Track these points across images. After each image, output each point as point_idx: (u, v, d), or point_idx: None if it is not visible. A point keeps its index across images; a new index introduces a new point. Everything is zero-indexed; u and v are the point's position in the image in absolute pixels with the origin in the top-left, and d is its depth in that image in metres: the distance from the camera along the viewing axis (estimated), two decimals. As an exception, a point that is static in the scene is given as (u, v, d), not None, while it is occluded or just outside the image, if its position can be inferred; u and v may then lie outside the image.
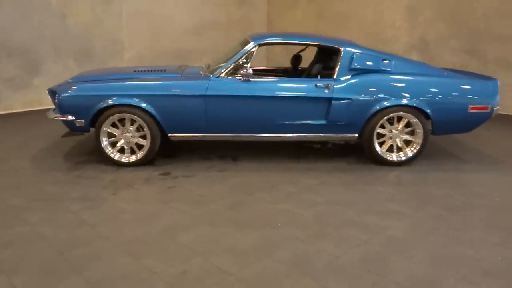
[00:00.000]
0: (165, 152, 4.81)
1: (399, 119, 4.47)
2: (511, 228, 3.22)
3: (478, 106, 4.44)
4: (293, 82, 4.44)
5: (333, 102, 4.31)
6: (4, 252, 2.79)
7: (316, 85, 4.32)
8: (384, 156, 4.51)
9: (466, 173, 4.38)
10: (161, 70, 4.73)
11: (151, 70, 4.75)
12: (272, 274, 2.59)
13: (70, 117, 4.30)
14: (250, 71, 4.26)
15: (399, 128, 4.48)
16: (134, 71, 4.79)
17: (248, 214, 3.39)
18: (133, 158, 4.40)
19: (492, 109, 4.46)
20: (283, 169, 4.43)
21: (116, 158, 4.38)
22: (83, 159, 4.62)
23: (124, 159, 4.39)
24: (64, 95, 4.29)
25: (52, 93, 4.51)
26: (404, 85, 4.41)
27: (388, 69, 4.46)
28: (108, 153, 4.37)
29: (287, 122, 4.39)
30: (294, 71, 5.53)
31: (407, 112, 4.39)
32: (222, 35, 9.50)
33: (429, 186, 4.02)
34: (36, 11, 7.02)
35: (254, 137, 4.47)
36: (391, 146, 4.55)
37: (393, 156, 4.54)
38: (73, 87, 4.34)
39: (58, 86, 4.53)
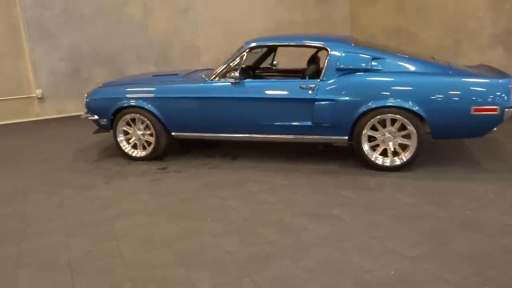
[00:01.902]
0: (185, 149, 5.30)
1: (394, 121, 4.23)
2: (441, 244, 2.92)
3: (483, 107, 3.96)
4: (280, 83, 4.53)
5: (315, 103, 4.29)
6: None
7: (300, 86, 4.36)
8: (375, 160, 4.31)
9: (459, 182, 3.96)
10: (173, 75, 5.23)
11: (165, 75, 5.28)
12: (155, 260, 2.87)
13: (96, 117, 5.07)
14: (236, 74, 4.49)
15: (392, 130, 4.23)
16: (153, 76, 5.37)
17: (192, 208, 3.67)
18: (143, 153, 4.98)
19: (503, 111, 3.92)
20: (270, 169, 4.55)
21: (129, 152, 5.02)
22: (109, 153, 5.36)
23: (135, 153, 5.00)
24: (90, 98, 5.09)
25: (88, 96, 5.37)
26: (393, 85, 4.16)
27: (379, 68, 4.25)
28: (123, 148, 5.02)
29: (275, 123, 4.50)
30: (302, 71, 5.53)
31: (397, 114, 4.14)
32: (299, 35, 9.63)
33: (401, 194, 3.76)
34: (122, 24, 8.16)
35: (245, 138, 4.68)
36: (385, 150, 4.32)
37: (384, 160, 4.31)
38: (96, 91, 5.11)
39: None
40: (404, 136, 4.23)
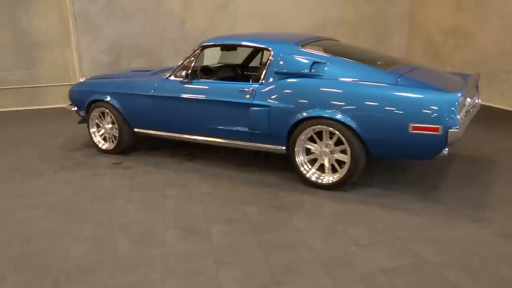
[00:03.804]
0: (154, 146, 5.33)
1: (333, 134, 3.76)
2: (279, 283, 2.53)
3: (422, 125, 3.32)
4: (222, 85, 4.30)
5: (250, 108, 4.00)
6: None
7: (239, 90, 4.09)
8: (309, 176, 3.89)
9: (384, 211, 3.38)
10: (146, 71, 5.26)
11: (140, 71, 5.34)
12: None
13: (75, 108, 5.34)
14: (183, 73, 4.36)
15: (330, 144, 3.77)
16: (131, 71, 5.46)
17: (89, 207, 3.67)
18: (110, 146, 5.10)
19: (446, 132, 3.25)
20: (209, 174, 4.34)
21: (98, 144, 5.18)
22: (90, 143, 5.58)
23: (101, 146, 5.15)
24: (71, 89, 5.36)
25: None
26: (328, 93, 3.70)
27: (320, 74, 3.80)
28: (94, 140, 5.20)
29: (216, 127, 4.29)
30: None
31: (330, 126, 3.67)
32: (348, 34, 9.01)
33: (304, 217, 3.34)
34: (161, 18, 8.43)
35: (192, 140, 4.54)
36: (323, 165, 3.88)
37: (318, 177, 3.86)
38: (79, 84, 5.36)
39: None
40: (343, 152, 3.73)
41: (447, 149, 3.38)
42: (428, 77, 3.87)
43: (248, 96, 4.01)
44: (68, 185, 4.18)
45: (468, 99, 3.91)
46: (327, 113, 3.63)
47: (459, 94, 3.26)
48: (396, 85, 3.53)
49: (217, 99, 4.19)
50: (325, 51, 4.16)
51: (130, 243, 3.05)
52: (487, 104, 7.00)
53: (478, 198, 3.58)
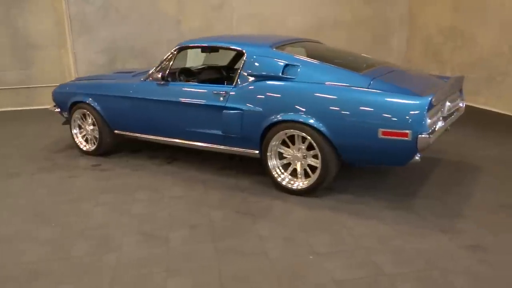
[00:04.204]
0: (137, 148, 5.29)
1: (305, 138, 3.66)
2: None
3: (392, 131, 3.21)
4: (197, 87, 4.23)
5: (223, 111, 3.92)
6: None
7: (213, 92, 4.02)
8: (280, 181, 3.80)
9: (353, 218, 3.28)
10: (128, 72, 5.22)
11: (123, 72, 5.30)
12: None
13: (58, 109, 5.32)
14: (159, 75, 4.31)
15: (302, 148, 3.68)
16: (114, 72, 5.42)
17: (57, 210, 3.64)
18: (92, 148, 5.07)
19: (416, 138, 3.13)
20: (185, 178, 4.27)
21: (80, 146, 5.15)
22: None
23: (83, 147, 5.12)
24: (54, 91, 5.34)
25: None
26: (299, 97, 3.61)
27: (292, 76, 3.71)
28: (76, 141, 5.17)
29: (190, 129, 4.23)
30: None
31: (302, 130, 3.58)
32: (344, 35, 8.89)
33: (267, 224, 3.26)
34: (156, 20, 8.40)
35: (168, 142, 4.48)
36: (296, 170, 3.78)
37: (289, 182, 3.77)
38: (61, 85, 5.34)
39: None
40: (315, 156, 3.63)
41: (419, 155, 3.27)
42: (403, 80, 3.75)
43: (221, 98, 3.94)
44: (43, 187, 4.15)
45: (448, 103, 3.79)
46: (297, 117, 3.54)
47: (429, 99, 3.14)
48: (368, 88, 3.42)
49: (191, 101, 4.13)
50: (301, 53, 4.08)
51: (87, 247, 2.99)
52: (485, 108, 6.83)
53: (453, 207, 3.45)
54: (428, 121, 3.16)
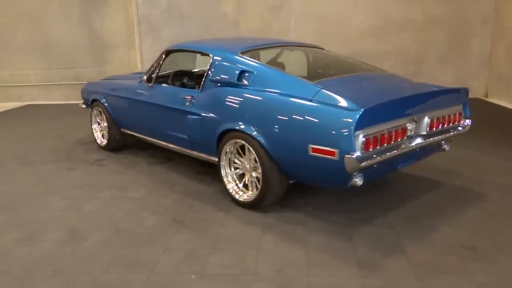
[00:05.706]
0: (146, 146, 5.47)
1: (255, 149, 3.45)
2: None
3: (320, 148, 2.87)
4: (170, 91, 4.24)
5: (187, 116, 3.88)
6: None
7: (181, 96, 4.00)
8: (230, 191, 3.63)
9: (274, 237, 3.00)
10: (140, 74, 5.40)
11: (137, 73, 5.50)
12: None
13: (84, 106, 5.75)
14: (144, 78, 4.43)
15: (251, 159, 3.48)
16: (132, 74, 5.66)
17: (28, 201, 3.93)
18: (104, 142, 5.39)
19: (343, 158, 2.75)
20: (161, 179, 4.30)
21: (97, 140, 5.50)
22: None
23: (99, 142, 5.45)
24: (82, 89, 5.77)
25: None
26: (244, 105, 3.41)
27: (246, 83, 3.52)
28: (95, 135, 5.53)
29: (167, 132, 4.27)
30: None
31: (243, 140, 3.38)
32: (413, 36, 8.12)
33: (181, 236, 3.14)
34: (216, 21, 8.60)
35: (156, 143, 4.58)
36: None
37: (237, 193, 3.58)
38: (88, 83, 5.75)
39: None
40: (263, 169, 3.40)
41: (358, 177, 2.87)
42: (365, 92, 3.30)
43: (188, 103, 3.89)
44: (37, 177, 4.51)
45: (427, 119, 3.25)
46: (241, 127, 3.34)
47: (360, 113, 2.70)
48: (311, 99, 3.08)
49: (164, 104, 4.15)
50: (275, 58, 3.84)
51: (14, 239, 3.18)
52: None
53: (399, 241, 2.94)
54: (361, 139, 2.75)
